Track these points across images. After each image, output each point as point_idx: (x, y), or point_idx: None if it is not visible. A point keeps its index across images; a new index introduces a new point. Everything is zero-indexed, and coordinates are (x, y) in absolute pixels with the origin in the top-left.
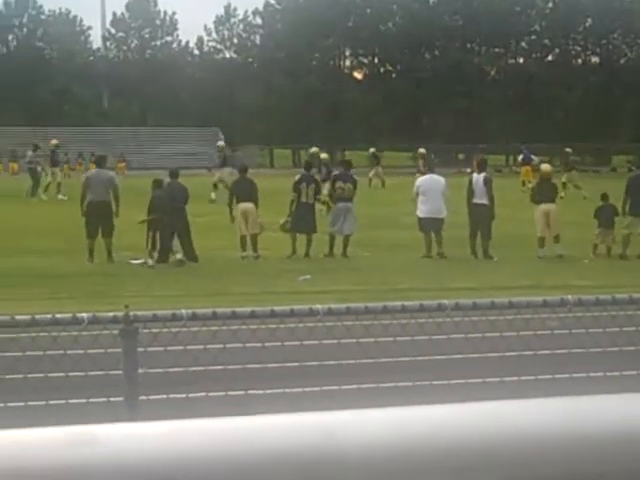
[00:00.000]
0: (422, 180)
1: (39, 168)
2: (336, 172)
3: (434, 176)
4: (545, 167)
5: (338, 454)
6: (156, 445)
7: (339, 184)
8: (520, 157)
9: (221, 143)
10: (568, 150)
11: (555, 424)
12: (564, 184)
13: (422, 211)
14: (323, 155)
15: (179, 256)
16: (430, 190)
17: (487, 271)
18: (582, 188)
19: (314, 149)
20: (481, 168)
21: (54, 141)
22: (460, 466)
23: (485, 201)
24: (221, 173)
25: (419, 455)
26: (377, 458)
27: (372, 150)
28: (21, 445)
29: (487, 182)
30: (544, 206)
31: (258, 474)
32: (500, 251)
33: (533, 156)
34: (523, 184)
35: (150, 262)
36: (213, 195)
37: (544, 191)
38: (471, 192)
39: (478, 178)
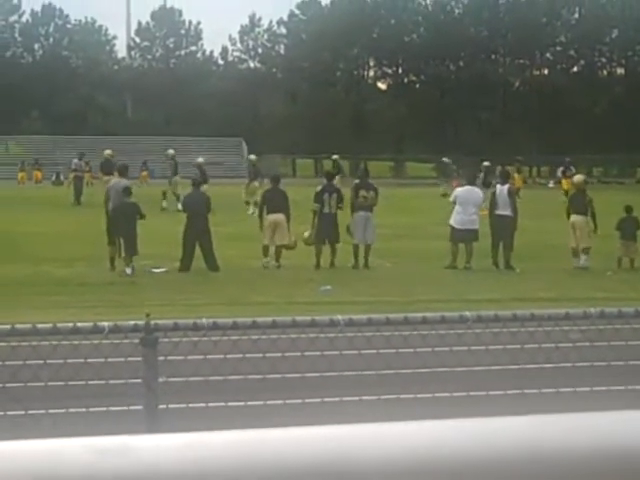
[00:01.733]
0: (461, 191)
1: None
2: (357, 181)
3: (473, 188)
4: (577, 178)
5: (355, 468)
6: (185, 456)
7: (362, 192)
8: (560, 169)
9: (252, 157)
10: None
11: (580, 439)
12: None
13: (456, 221)
14: (252, 157)
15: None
16: (467, 202)
17: (509, 282)
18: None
19: (252, 156)
20: (504, 179)
21: (108, 151)
22: None
23: (508, 212)
24: (252, 186)
25: (436, 470)
26: (394, 472)
27: (335, 157)
28: (51, 455)
29: (510, 193)
30: (573, 217)
31: None
32: (523, 263)
33: (572, 167)
34: (566, 194)
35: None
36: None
37: (574, 202)
38: (494, 203)
39: (502, 189)
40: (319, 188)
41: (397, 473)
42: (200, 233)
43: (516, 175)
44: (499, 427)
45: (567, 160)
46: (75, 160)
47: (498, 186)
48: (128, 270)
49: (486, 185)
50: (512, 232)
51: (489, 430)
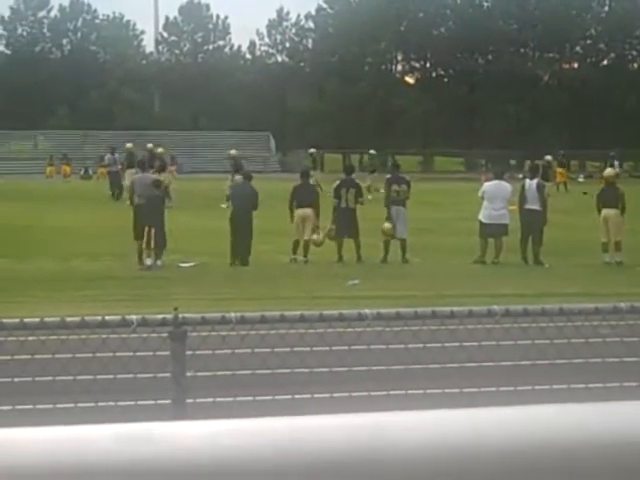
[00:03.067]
0: (489, 185)
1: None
2: (389, 175)
3: (501, 182)
4: (608, 172)
5: (385, 455)
6: (209, 443)
7: (394, 187)
8: (608, 163)
9: (233, 152)
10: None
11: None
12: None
13: (485, 216)
14: (160, 150)
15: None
16: (495, 196)
17: (538, 277)
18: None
19: (149, 145)
20: (534, 174)
21: (129, 144)
22: (508, 469)
23: (537, 207)
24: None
25: (466, 457)
26: (423, 459)
27: (311, 151)
28: (75, 441)
29: (540, 188)
30: (605, 211)
31: (307, 473)
32: (552, 258)
33: (616, 162)
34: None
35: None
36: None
37: (606, 196)
38: (523, 198)
39: (531, 184)
40: (337, 183)
41: (425, 460)
42: (243, 226)
43: (558, 169)
44: (530, 415)
45: (611, 154)
46: (108, 155)
47: (527, 180)
48: (159, 262)
49: (545, 179)
50: (541, 227)
51: (519, 418)
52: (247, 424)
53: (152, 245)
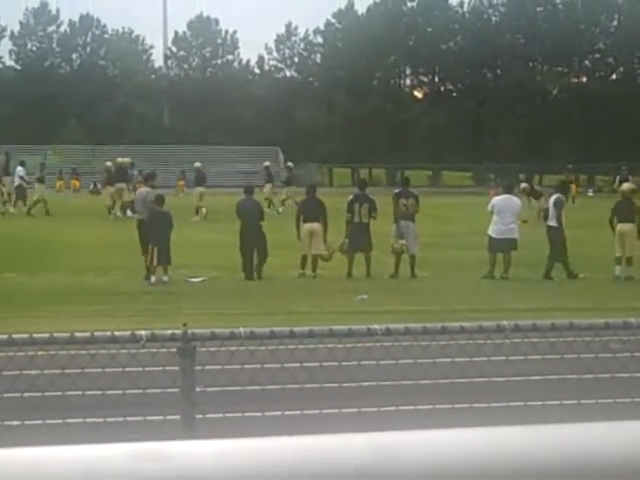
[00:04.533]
0: (498, 200)
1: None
2: (397, 190)
3: (510, 196)
4: (625, 187)
5: (399, 474)
6: (224, 462)
7: (402, 201)
8: (618, 177)
9: (198, 164)
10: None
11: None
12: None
13: (494, 231)
14: (126, 160)
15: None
16: (504, 210)
17: (548, 292)
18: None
19: (197, 164)
20: (556, 189)
21: (123, 159)
22: None
23: (554, 223)
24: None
25: (480, 476)
26: (438, 478)
27: (266, 164)
28: (91, 460)
29: (557, 205)
30: (620, 226)
31: None
32: (562, 272)
33: (630, 177)
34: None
35: None
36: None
37: (622, 211)
38: (547, 214)
39: (550, 200)
40: (350, 197)
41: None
42: (256, 240)
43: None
44: (544, 433)
45: (623, 168)
46: (134, 172)
47: (551, 197)
48: (165, 278)
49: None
50: (556, 243)
51: (534, 437)
52: (257, 443)
53: (155, 262)
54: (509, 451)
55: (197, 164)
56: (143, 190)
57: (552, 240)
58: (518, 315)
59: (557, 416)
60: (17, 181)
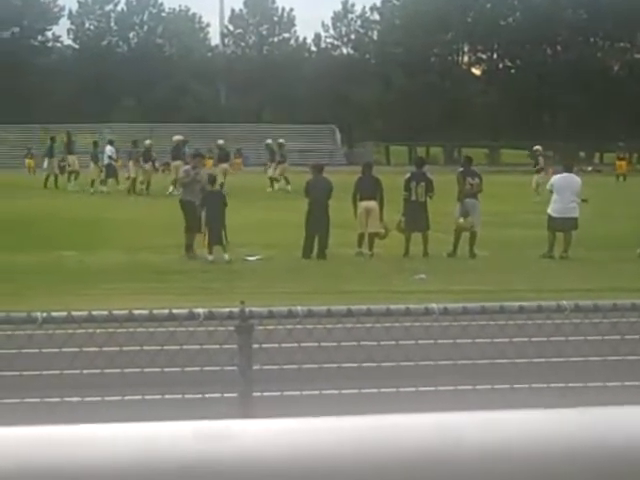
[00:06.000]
0: (557, 178)
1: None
2: (461, 169)
3: (570, 175)
4: None
5: (460, 456)
6: (286, 441)
7: (468, 180)
8: None
9: (221, 142)
10: (537, 148)
11: None
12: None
13: (554, 210)
14: (181, 137)
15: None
16: (564, 189)
17: (608, 272)
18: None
19: (220, 141)
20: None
21: (177, 137)
22: (595, 469)
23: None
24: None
25: (547, 458)
26: (500, 461)
27: (268, 142)
28: (150, 439)
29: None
30: None
31: (382, 472)
32: (625, 251)
33: None
34: None
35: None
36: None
37: None
38: None
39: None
40: (407, 176)
41: (502, 461)
42: (320, 220)
43: (617, 162)
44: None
45: None
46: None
47: None
48: (226, 256)
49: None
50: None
51: (596, 419)
52: (321, 423)
53: (207, 241)
54: (566, 433)
55: (220, 141)
56: (184, 169)
57: None
58: (578, 295)
59: (618, 398)
60: (106, 160)
